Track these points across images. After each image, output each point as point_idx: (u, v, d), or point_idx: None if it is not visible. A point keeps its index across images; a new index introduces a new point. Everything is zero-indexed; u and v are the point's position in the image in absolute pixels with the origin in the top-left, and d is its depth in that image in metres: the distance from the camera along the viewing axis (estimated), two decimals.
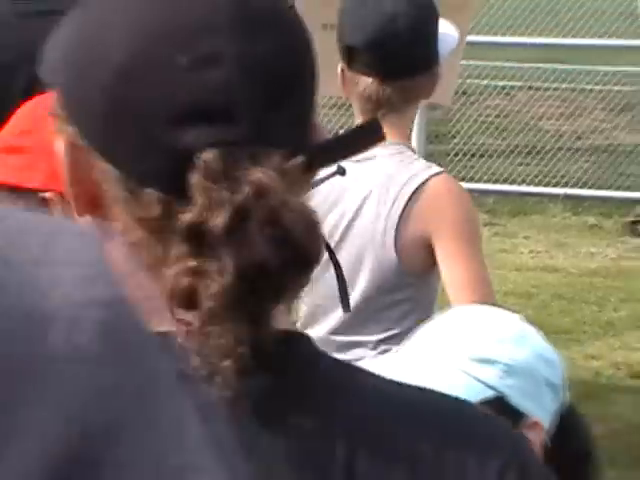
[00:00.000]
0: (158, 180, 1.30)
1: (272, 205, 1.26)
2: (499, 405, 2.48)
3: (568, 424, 2.79)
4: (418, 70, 4.37)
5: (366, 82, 4.35)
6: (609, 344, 8.54)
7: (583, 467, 2.79)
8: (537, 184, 12.43)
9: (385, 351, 4.24)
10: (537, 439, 2.50)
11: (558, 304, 9.29)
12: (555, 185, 12.66)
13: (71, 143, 1.36)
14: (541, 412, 2.64)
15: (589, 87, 15.17)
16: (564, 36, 15.75)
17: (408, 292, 4.42)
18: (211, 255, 1.28)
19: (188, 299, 1.27)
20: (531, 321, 3.65)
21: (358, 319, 4.48)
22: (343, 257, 4.16)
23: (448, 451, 1.42)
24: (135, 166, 1.33)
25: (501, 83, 14.80)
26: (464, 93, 11.61)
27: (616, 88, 13.44)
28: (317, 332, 4.42)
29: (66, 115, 1.39)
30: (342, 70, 4.45)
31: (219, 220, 1.25)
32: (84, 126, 1.37)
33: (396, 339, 4.24)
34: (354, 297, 4.32)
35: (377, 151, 4.19)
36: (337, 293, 4.02)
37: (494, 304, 3.86)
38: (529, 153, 13.67)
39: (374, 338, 4.51)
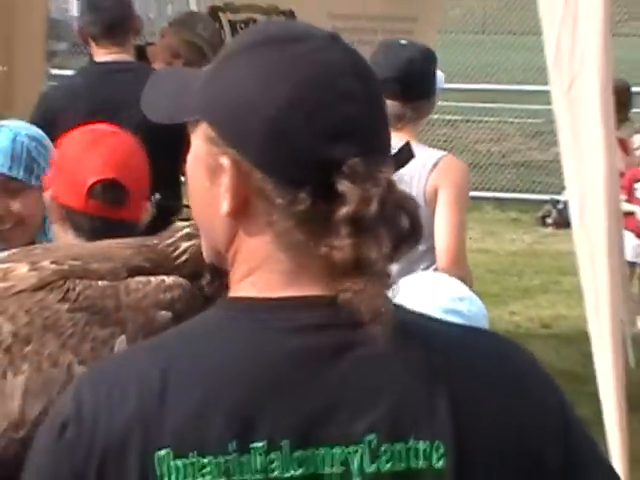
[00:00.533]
0: (310, 184, 1.29)
1: (397, 195, 1.29)
2: None
3: None
4: (425, 96, 4.54)
5: (392, 104, 4.23)
6: (526, 304, 9.02)
7: None
8: (475, 190, 13.06)
9: None
10: None
11: (490, 276, 9.74)
12: (488, 190, 13.54)
13: (234, 161, 1.34)
14: None
15: (510, 120, 16.47)
16: (493, 83, 17.00)
17: (429, 242, 4.30)
18: (369, 233, 1.26)
19: (353, 267, 1.25)
20: (471, 289, 3.88)
21: (402, 269, 4.12)
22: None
23: (523, 376, 1.41)
24: (292, 175, 1.31)
25: (447, 117, 15.52)
26: None
27: (530, 120, 14.03)
28: None
29: (226, 142, 1.36)
30: None
31: (373, 208, 1.25)
32: (247, 149, 1.35)
33: None
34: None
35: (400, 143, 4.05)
36: None
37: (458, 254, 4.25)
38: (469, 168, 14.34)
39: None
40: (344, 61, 1.35)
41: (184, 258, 1.99)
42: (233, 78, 1.35)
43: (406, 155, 1.51)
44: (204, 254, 1.50)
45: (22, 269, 1.91)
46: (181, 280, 1.96)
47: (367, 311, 1.24)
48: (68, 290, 1.86)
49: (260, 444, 1.23)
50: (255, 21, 6.69)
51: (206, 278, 2.00)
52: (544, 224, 12.14)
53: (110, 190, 2.33)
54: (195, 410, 1.24)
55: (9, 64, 6.38)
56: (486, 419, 1.31)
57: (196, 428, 1.23)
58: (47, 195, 2.58)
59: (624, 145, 6.86)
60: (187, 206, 5.22)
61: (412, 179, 4.26)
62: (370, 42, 6.72)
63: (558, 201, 8.29)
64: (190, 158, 1.44)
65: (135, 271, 1.94)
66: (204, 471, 1.22)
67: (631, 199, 7.43)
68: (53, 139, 4.39)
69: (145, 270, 1.96)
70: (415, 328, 1.37)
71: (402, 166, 1.45)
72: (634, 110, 8.16)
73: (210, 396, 1.25)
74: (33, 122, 4.58)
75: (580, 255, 4.22)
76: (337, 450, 1.26)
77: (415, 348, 1.32)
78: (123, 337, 1.86)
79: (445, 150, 5.28)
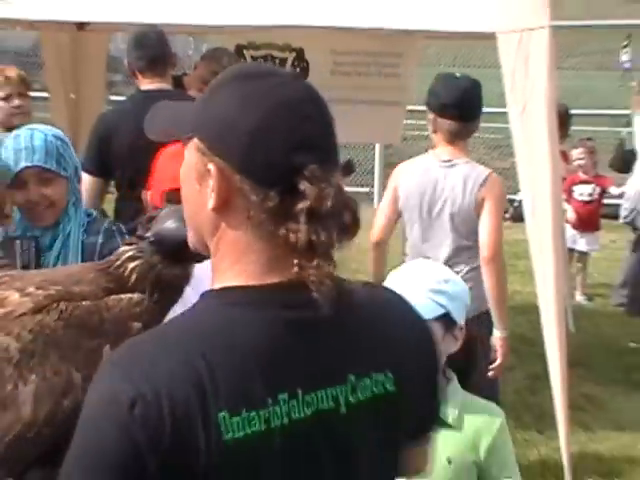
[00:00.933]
0: (279, 185, 1.37)
1: (344, 196, 1.37)
2: (446, 318, 2.50)
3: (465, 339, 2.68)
4: (476, 118, 4.37)
5: (451, 123, 4.27)
6: None
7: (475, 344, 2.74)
8: None
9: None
10: (461, 335, 2.50)
11: None
12: None
13: (219, 167, 1.41)
14: (462, 320, 2.56)
15: (477, 135, 16.16)
16: None
17: (474, 238, 4.26)
18: (320, 223, 1.35)
19: (307, 248, 1.34)
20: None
21: (451, 257, 4.34)
22: (442, 219, 4.27)
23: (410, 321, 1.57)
24: (265, 177, 1.39)
25: (425, 133, 15.23)
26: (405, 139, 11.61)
27: (492, 136, 13.89)
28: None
29: (213, 152, 1.43)
30: (434, 117, 4.41)
31: (328, 204, 1.34)
32: (230, 157, 1.42)
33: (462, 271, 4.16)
34: (453, 240, 4.31)
35: (456, 161, 4.26)
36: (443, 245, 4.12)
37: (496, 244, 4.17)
38: None
39: (458, 268, 4.24)
40: (304, 93, 1.43)
41: (134, 277, 2.00)
42: (219, 104, 1.41)
43: (349, 168, 1.57)
44: (190, 244, 1.56)
45: (14, 296, 1.93)
46: (142, 296, 1.99)
47: (319, 284, 1.34)
48: (61, 311, 1.89)
49: (284, 395, 1.35)
50: (272, 57, 6.61)
51: (150, 292, 2.03)
52: (503, 218, 12.00)
53: (179, 196, 2.46)
54: (238, 379, 1.33)
55: (77, 92, 6.50)
56: (408, 355, 1.47)
57: (242, 392, 1.32)
58: (145, 195, 2.83)
59: (565, 156, 6.77)
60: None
61: (465, 188, 4.21)
62: (365, 73, 6.68)
63: (514, 200, 8.19)
64: (183, 167, 1.50)
65: (107, 291, 1.97)
66: (252, 422, 1.32)
67: (569, 199, 7.38)
68: (108, 151, 4.44)
69: (112, 290, 1.99)
70: (358, 294, 1.48)
71: (347, 175, 1.50)
72: (573, 128, 8.07)
73: (245, 366, 1.34)
74: (92, 138, 4.61)
75: (531, 243, 4.18)
76: (330, 390, 1.39)
77: (361, 309, 1.46)
78: (107, 347, 1.89)
79: None
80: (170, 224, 2.08)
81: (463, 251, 4.23)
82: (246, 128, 1.37)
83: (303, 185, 1.34)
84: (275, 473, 1.37)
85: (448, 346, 2.46)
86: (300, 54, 6.46)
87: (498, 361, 4.09)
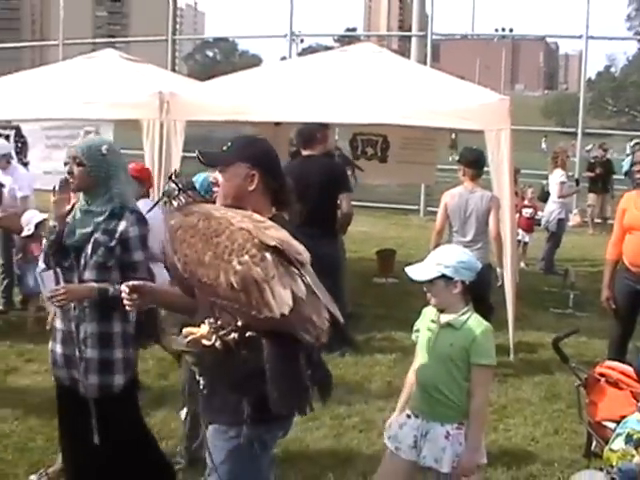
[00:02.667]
0: (282, 181, 2.80)
1: (291, 189, 2.95)
2: (447, 278, 3.35)
3: (478, 279, 3.52)
4: (483, 168, 6.16)
5: (472, 171, 6.15)
6: None
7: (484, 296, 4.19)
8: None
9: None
10: (456, 287, 3.37)
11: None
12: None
13: (260, 175, 2.75)
14: (467, 276, 3.38)
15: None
16: None
17: (485, 229, 6.14)
18: (286, 204, 2.80)
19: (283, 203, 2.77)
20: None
21: (472, 240, 6.18)
22: (471, 219, 6.15)
23: None
24: (277, 177, 2.75)
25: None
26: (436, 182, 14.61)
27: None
28: (462, 238, 6.19)
29: (257, 168, 2.77)
30: (463, 168, 6.27)
31: (290, 191, 2.81)
32: (267, 172, 2.78)
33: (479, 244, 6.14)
34: (476, 230, 6.17)
35: (475, 190, 6.17)
36: (471, 232, 6.20)
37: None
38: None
39: (478, 244, 6.10)
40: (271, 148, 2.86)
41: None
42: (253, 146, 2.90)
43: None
44: (225, 206, 2.69)
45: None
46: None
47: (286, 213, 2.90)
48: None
49: None
50: (371, 139, 9.83)
51: None
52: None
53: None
54: None
55: None
56: None
57: None
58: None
59: (516, 193, 9.73)
60: None
61: (482, 202, 6.14)
62: (417, 147, 9.82)
63: None
64: (232, 173, 2.81)
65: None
66: None
67: (520, 215, 11.06)
68: None
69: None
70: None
71: None
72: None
73: None
74: None
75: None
76: None
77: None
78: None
79: None
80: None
81: (480, 235, 6.17)
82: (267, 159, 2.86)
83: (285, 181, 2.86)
84: None
85: (453, 290, 3.36)
86: (385, 138, 9.67)
87: None
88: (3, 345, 6.63)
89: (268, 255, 2.30)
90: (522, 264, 10.73)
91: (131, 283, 2.79)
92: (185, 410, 4.39)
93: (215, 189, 2.95)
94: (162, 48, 18.03)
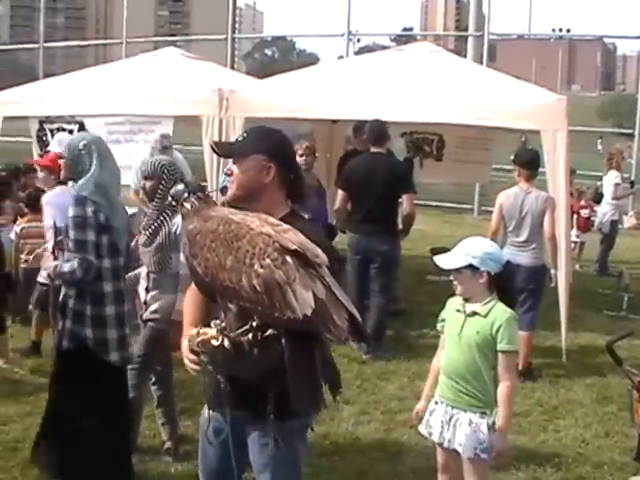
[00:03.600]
0: (295, 173, 2.79)
1: (305, 181, 2.91)
2: (473, 268, 3.41)
3: (503, 271, 3.54)
4: (538, 168, 6.06)
5: (527, 172, 6.06)
6: None
7: (508, 287, 3.61)
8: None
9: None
10: (482, 277, 3.42)
11: None
12: None
13: (276, 167, 2.71)
14: (493, 267, 3.44)
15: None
16: None
17: (539, 229, 6.06)
18: (300, 197, 2.80)
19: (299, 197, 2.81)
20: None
21: (527, 240, 6.12)
22: (526, 219, 6.06)
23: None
24: (291, 169, 2.76)
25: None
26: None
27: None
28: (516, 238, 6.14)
29: (273, 161, 2.71)
30: (518, 169, 6.18)
31: (303, 185, 2.81)
32: (283, 164, 2.74)
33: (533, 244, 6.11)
34: (531, 230, 6.09)
35: (530, 190, 6.09)
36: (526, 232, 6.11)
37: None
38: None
39: (532, 245, 6.09)
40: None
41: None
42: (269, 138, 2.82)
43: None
44: (233, 198, 2.73)
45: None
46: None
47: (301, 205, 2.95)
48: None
49: None
50: (425, 138, 9.80)
51: None
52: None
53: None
54: None
55: (330, 153, 9.01)
56: None
57: None
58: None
59: (572, 194, 9.42)
60: None
61: (537, 203, 6.06)
62: (471, 147, 9.70)
63: None
64: (248, 165, 2.74)
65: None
66: None
67: (578, 215, 11.05)
68: (348, 180, 6.51)
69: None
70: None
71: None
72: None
73: None
74: (338, 179, 6.87)
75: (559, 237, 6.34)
76: None
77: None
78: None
79: None
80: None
81: (534, 235, 6.09)
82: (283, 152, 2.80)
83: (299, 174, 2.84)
84: None
85: (479, 279, 3.42)
86: (441, 137, 9.59)
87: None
88: None
89: (289, 258, 2.35)
90: (577, 266, 10.57)
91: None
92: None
93: (229, 180, 2.84)
94: (222, 47, 18.16)
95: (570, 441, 4.98)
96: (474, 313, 3.44)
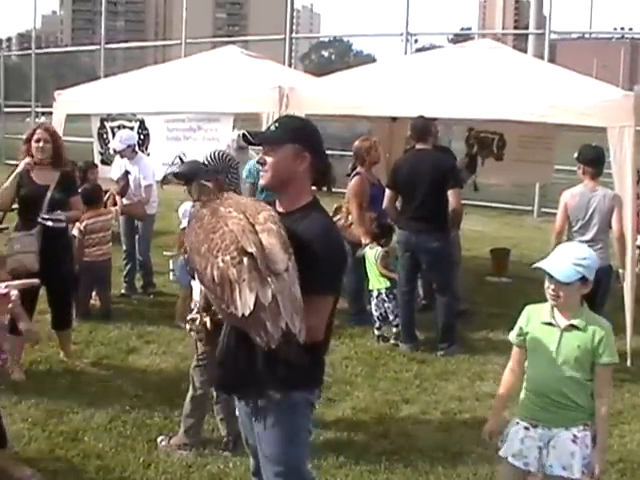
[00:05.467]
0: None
1: (332, 170, 3.03)
2: (584, 279, 3.18)
3: (597, 279, 3.35)
4: (603, 166, 5.95)
5: (592, 170, 5.96)
6: None
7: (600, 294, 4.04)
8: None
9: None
10: (589, 285, 3.21)
11: None
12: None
13: (310, 156, 2.77)
14: (591, 278, 3.21)
15: None
16: None
17: (606, 229, 5.96)
18: (324, 184, 2.89)
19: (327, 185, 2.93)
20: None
21: (593, 239, 5.89)
22: (593, 218, 5.94)
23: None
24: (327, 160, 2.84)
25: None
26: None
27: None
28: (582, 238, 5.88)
29: (308, 150, 2.78)
30: (583, 167, 6.06)
31: (331, 172, 2.86)
32: (317, 153, 2.81)
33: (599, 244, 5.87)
34: (598, 230, 5.95)
35: (597, 188, 5.97)
36: (592, 231, 5.92)
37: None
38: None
39: (598, 245, 5.82)
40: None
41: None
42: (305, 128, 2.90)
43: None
44: (267, 185, 2.87)
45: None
46: None
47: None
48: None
49: None
50: (487, 136, 9.67)
51: None
52: None
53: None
54: None
55: (389, 152, 8.83)
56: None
57: None
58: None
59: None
60: None
61: (604, 201, 5.95)
62: (533, 146, 9.52)
63: None
64: (283, 154, 2.80)
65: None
66: None
67: None
68: (397, 177, 6.52)
69: None
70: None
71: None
72: None
73: None
74: (389, 176, 6.76)
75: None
76: None
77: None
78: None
79: None
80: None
81: (601, 234, 5.95)
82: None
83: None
84: None
85: (583, 290, 3.21)
86: (502, 136, 9.46)
87: None
88: (125, 327, 6.86)
89: (245, 260, 2.51)
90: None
91: None
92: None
93: (262, 169, 2.89)
94: (279, 48, 18.20)
95: (635, 446, 4.85)
96: (572, 327, 3.24)
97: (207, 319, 2.76)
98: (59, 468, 4.26)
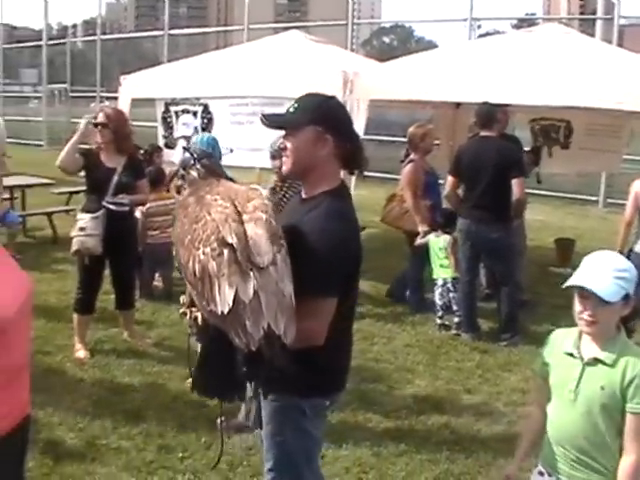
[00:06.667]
0: (352, 143, 2.57)
1: (363, 151, 2.70)
2: (626, 297, 2.49)
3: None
4: None
5: None
6: None
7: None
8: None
9: None
10: (632, 303, 2.52)
11: None
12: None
13: (333, 139, 2.53)
14: (632, 294, 2.50)
15: None
16: None
17: None
18: (356, 167, 2.71)
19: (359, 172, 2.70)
20: None
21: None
22: None
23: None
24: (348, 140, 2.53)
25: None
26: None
27: None
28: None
29: (330, 132, 2.53)
30: None
31: (362, 156, 2.66)
32: (341, 135, 2.56)
33: None
34: None
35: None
36: None
37: None
38: None
39: None
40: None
41: None
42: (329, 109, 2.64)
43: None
44: (288, 172, 2.65)
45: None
46: None
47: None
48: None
49: None
50: (553, 125, 9.41)
51: None
52: None
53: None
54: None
55: (453, 140, 8.80)
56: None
57: None
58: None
59: None
60: None
61: None
62: (603, 134, 9.28)
63: None
64: (303, 138, 2.58)
65: None
66: None
67: None
68: (460, 164, 6.43)
69: None
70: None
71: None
72: None
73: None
74: (452, 163, 6.60)
75: None
76: None
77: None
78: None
79: None
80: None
81: None
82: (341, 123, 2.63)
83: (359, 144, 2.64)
84: None
85: (624, 310, 2.52)
86: (568, 123, 9.23)
87: None
88: None
89: (226, 252, 2.27)
90: None
91: None
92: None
93: (283, 154, 2.67)
94: (340, 35, 18.12)
95: None
96: (596, 360, 2.52)
97: (198, 314, 2.54)
98: (122, 446, 4.33)
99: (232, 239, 2.29)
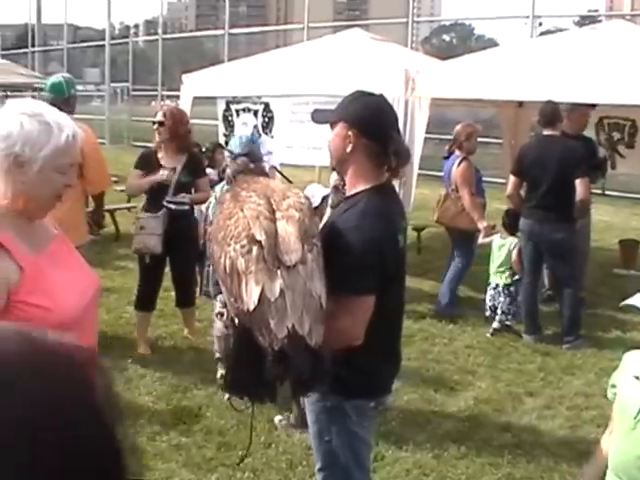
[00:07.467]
0: (381, 142, 2.46)
1: (407, 147, 2.65)
2: None
3: None
4: None
5: None
6: None
7: None
8: None
9: None
10: None
11: None
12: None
13: (357, 135, 2.50)
14: None
15: None
16: None
17: None
18: (391, 170, 2.61)
19: (393, 169, 2.58)
20: None
21: None
22: None
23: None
24: (378, 139, 2.47)
25: None
26: None
27: None
28: None
29: (353, 128, 2.52)
30: None
31: (403, 149, 2.59)
32: (365, 132, 2.51)
33: None
34: None
35: None
36: None
37: None
38: None
39: None
40: (388, 105, 2.65)
41: None
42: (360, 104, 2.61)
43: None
44: (335, 166, 2.78)
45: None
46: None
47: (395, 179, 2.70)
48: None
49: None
50: (618, 123, 9.17)
51: None
52: None
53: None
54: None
55: (515, 139, 8.66)
56: None
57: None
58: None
59: None
60: None
61: None
62: None
63: None
64: (335, 133, 2.60)
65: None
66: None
67: None
68: (523, 163, 6.28)
69: None
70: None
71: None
72: None
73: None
74: (515, 163, 6.54)
75: None
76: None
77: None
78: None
79: None
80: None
81: None
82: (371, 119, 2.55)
83: (391, 144, 2.52)
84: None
85: None
86: (634, 122, 9.03)
87: None
88: None
89: (255, 249, 2.26)
90: None
91: None
92: None
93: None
94: (400, 33, 18.01)
95: None
96: None
97: (224, 317, 2.56)
98: (182, 442, 4.36)
99: (261, 236, 2.28)
